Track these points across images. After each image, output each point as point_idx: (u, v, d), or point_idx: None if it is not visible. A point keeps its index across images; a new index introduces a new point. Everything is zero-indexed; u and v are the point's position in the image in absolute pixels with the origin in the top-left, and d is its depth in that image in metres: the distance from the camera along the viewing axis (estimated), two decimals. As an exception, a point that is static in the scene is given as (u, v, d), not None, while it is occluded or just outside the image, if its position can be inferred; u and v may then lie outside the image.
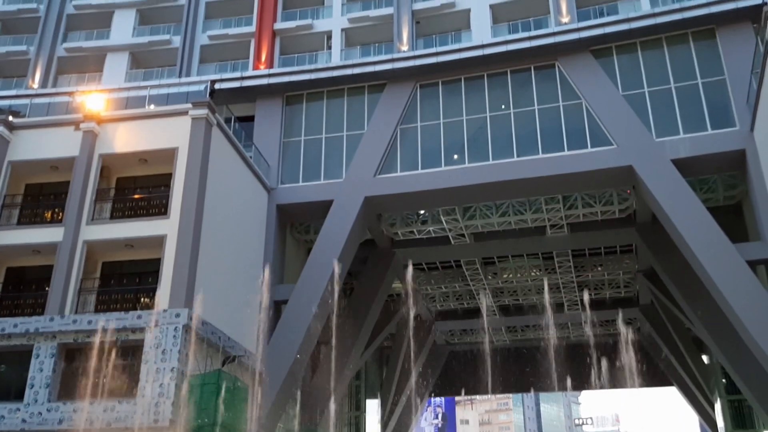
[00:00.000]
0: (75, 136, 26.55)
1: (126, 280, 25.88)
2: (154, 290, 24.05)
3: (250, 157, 30.00)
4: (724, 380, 36.86)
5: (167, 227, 24.51)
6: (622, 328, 42.99)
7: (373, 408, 45.70)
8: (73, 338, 23.21)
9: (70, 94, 33.40)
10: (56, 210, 26.62)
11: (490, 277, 40.58)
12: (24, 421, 22.22)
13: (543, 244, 35.77)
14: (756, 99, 25.50)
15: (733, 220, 29.82)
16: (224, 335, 24.99)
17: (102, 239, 25.10)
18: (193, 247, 24.02)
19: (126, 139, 26.63)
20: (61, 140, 26.81)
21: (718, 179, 30.04)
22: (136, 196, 26.41)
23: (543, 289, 41.66)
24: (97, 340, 21.73)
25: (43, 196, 27.49)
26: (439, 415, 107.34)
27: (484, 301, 42.54)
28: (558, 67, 30.35)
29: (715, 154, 27.34)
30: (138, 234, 24.85)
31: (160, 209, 25.33)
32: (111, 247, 25.50)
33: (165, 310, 23.13)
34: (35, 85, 36.85)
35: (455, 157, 30.45)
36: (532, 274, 40.49)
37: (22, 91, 35.60)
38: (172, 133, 26.13)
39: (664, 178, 27.14)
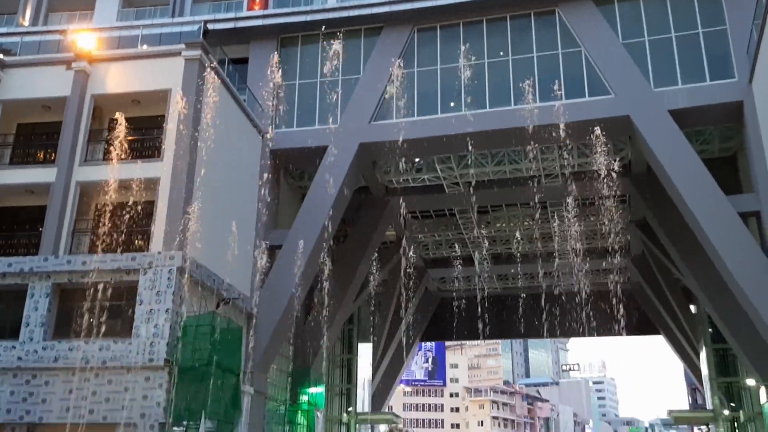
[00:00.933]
0: (66, 75, 26.19)
1: (120, 222, 25.91)
2: (148, 232, 24.13)
3: (244, 100, 29.70)
4: (710, 330, 37.49)
5: (160, 169, 24.43)
6: (612, 277, 43.59)
7: (365, 351, 46.43)
8: (68, 278, 23.36)
9: (61, 32, 32.70)
10: (48, 150, 26.48)
11: (483, 226, 40.76)
12: (20, 358, 22.54)
13: (537, 193, 35.81)
14: (756, 50, 25.26)
15: (727, 172, 29.93)
16: (218, 278, 25.17)
17: (95, 180, 25.01)
18: (187, 191, 23.98)
19: (118, 79, 26.29)
20: (52, 79, 26.47)
21: (715, 131, 30.01)
22: (130, 138, 26.21)
23: (535, 238, 41.94)
24: (91, 280, 21.86)
25: (35, 136, 27.30)
26: (430, 359, 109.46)
27: (477, 252, 42.82)
28: (558, 13, 29.87)
29: (713, 105, 27.22)
30: (131, 176, 24.75)
31: (154, 152, 25.21)
32: (104, 189, 25.44)
33: (159, 253, 23.24)
34: (26, 23, 36.10)
35: (452, 104, 30.20)
36: (525, 223, 40.68)
37: (12, 29, 34.89)
38: (165, 75, 25.81)
39: (661, 129, 27.06)
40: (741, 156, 29.95)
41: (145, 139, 25.92)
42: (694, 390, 57.64)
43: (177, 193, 23.88)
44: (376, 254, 36.77)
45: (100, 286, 21.79)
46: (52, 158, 25.90)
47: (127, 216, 24.49)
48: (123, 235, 23.98)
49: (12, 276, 23.67)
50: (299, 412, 33.83)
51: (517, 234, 41.67)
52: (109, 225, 25.43)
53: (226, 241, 26.33)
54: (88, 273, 22.71)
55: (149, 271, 22.92)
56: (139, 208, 24.03)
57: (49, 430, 21.61)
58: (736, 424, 36.81)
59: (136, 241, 24.93)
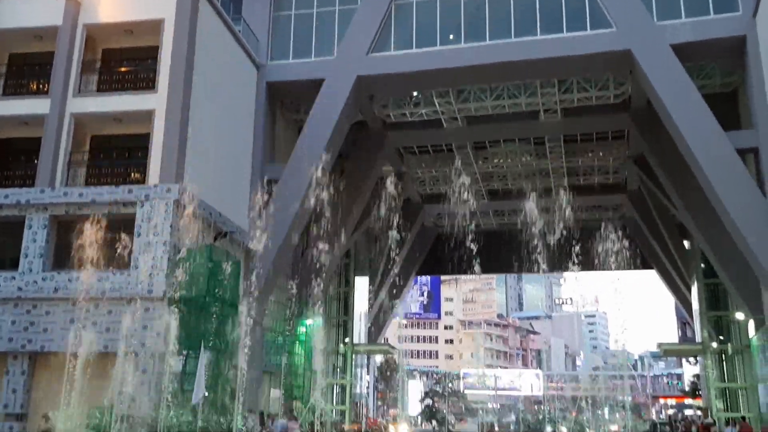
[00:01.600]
0: (58, 4, 25.60)
1: (116, 155, 25.80)
2: (144, 165, 24.05)
3: (239, 31, 29.12)
4: (702, 265, 37.90)
5: (155, 101, 24.17)
6: (608, 212, 43.79)
7: (361, 285, 46.97)
8: (65, 210, 23.42)
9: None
10: (42, 81, 26.12)
11: (480, 162, 40.67)
12: (20, 288, 22.80)
13: (536, 128, 35.63)
14: (762, -18, 24.72)
15: (727, 107, 29.71)
16: (215, 211, 25.23)
17: (89, 112, 24.77)
18: (182, 123, 23.79)
19: (110, 8, 25.70)
20: (43, 8, 25.89)
21: (716, 66, 29.61)
22: (123, 69, 25.83)
23: (533, 174, 41.92)
24: (88, 212, 21.89)
25: (27, 67, 26.88)
26: (425, 293, 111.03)
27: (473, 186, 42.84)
28: (561, -58, 29.01)
29: (716, 40, 26.81)
30: (125, 108, 24.53)
31: (148, 83, 24.87)
32: (99, 121, 25.24)
33: (156, 185, 23.22)
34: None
35: (451, 36, 29.65)
36: (523, 159, 40.57)
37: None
38: (158, 4, 25.24)
39: (662, 63, 26.71)
40: (741, 92, 29.67)
41: (139, 70, 25.56)
42: (684, 324, 58.77)
43: (172, 125, 23.69)
44: (372, 189, 36.77)
45: (98, 218, 21.84)
46: (46, 89, 25.56)
47: (123, 148, 24.34)
48: (119, 168, 23.91)
49: (9, 207, 23.70)
50: (297, 342, 34.51)
51: (516, 168, 41.67)
52: (105, 157, 25.38)
53: (223, 174, 26.30)
54: (85, 205, 22.73)
55: (146, 203, 22.97)
56: (135, 140, 23.88)
57: (50, 359, 22.03)
58: (723, 357, 37.66)
59: (133, 174, 24.89)
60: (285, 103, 33.23)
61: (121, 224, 23.02)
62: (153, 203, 22.89)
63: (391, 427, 30.38)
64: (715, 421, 27.87)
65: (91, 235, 20.80)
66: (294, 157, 29.19)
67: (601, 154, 39.34)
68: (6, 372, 22.43)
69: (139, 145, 24.37)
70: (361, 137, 35.44)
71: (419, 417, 37.65)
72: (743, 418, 29.31)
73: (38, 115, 24.80)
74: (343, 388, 43.55)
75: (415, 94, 33.38)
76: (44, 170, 24.12)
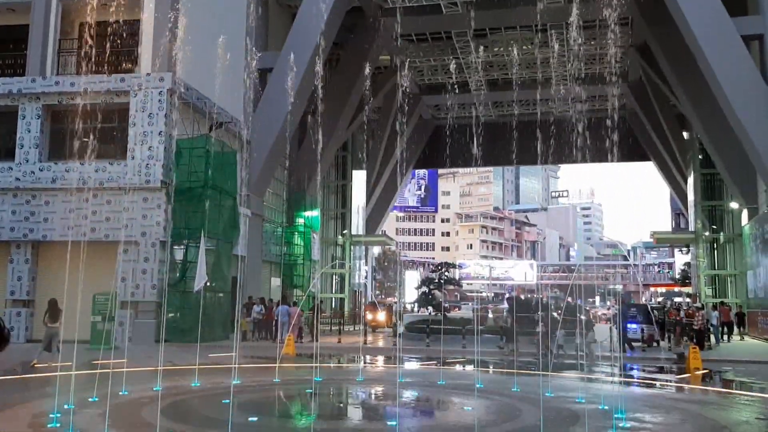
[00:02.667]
0: None
1: (106, 43, 25.08)
2: (135, 54, 23.49)
3: None
4: (700, 156, 37.96)
5: (144, -15, 23.26)
6: (608, 102, 43.25)
7: (359, 178, 47.09)
8: (58, 100, 23.08)
9: None
10: (24, -36, 24.98)
11: (480, 50, 39.71)
12: (18, 179, 22.83)
13: (538, 15, 34.51)
14: None
15: (735, -8, 28.71)
16: (210, 101, 24.86)
17: (76, -3, 23.90)
18: (173, 9, 22.98)
19: None
20: None
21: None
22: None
23: (533, 63, 41.06)
24: (81, 102, 21.57)
25: (7, -51, 25.63)
26: (422, 187, 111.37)
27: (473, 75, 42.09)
28: None
29: None
30: (114, -8, 23.61)
31: (136, -34, 23.83)
32: (86, 6, 24.35)
33: (148, 74, 22.79)
34: None
35: None
36: (524, 47, 39.62)
37: None
38: None
39: (671, -56, 25.58)
40: (751, -25, 28.61)
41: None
42: (678, 215, 59.43)
43: (162, 11, 22.91)
44: (369, 79, 36.10)
45: (91, 108, 21.55)
46: (29, -27, 24.53)
47: (113, 36, 23.62)
48: (110, 56, 23.31)
49: (1, 97, 23.34)
50: (296, 233, 34.96)
51: (516, 57, 40.77)
52: (95, 45, 24.67)
53: (216, 63, 25.67)
54: (78, 94, 22.37)
55: (139, 93, 22.61)
56: (125, 27, 23.15)
57: (52, 247, 22.37)
58: (715, 246, 38.38)
59: (124, 64, 24.32)
60: (278, -12, 32.07)
61: (115, 114, 22.78)
62: (146, 92, 22.54)
63: (368, 314, 31.45)
64: (703, 305, 28.78)
65: (86, 125, 20.61)
66: (288, 45, 28.45)
67: (603, 42, 38.38)
68: (10, 261, 22.82)
69: (130, 31, 23.67)
70: (357, 24, 34.41)
71: (415, 304, 38.70)
72: (722, 302, 30.41)
73: (24, 1, 23.95)
74: (342, 277, 44.58)
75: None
76: (34, 59, 23.59)
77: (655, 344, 23.55)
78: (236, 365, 13.63)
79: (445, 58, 41.47)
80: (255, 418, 9.57)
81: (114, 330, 19.98)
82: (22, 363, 15.84)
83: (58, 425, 8.56)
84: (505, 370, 16.39)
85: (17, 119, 23.20)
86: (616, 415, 9.51)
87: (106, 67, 23.57)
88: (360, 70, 34.41)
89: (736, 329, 29.36)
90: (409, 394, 12.62)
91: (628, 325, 23.49)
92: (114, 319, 20.16)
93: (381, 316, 32.61)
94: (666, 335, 25.41)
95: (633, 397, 12.23)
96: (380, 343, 24.84)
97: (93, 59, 24.39)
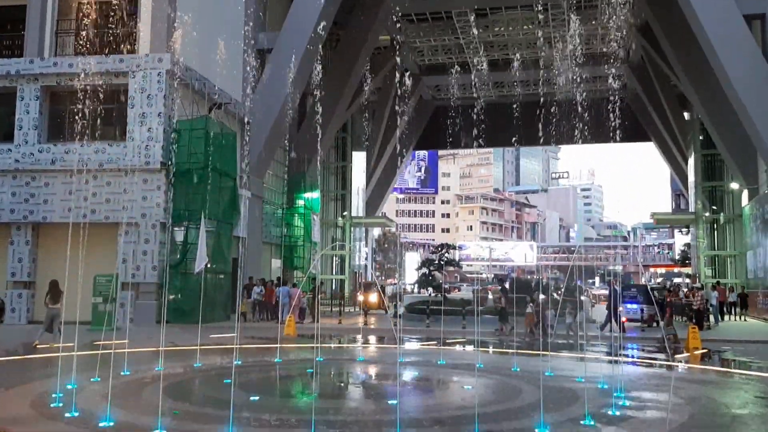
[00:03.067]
0: None
1: (104, 24, 24.91)
2: (134, 35, 23.34)
3: None
4: (701, 137, 37.86)
5: (142, -35, 23.07)
6: (609, 82, 43.05)
7: (359, 160, 46.96)
8: (56, 81, 22.97)
9: None
10: (20, -57, 24.75)
11: (481, 30, 39.44)
12: (17, 161, 22.79)
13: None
14: None
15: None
16: (209, 82, 24.75)
17: (73, -23, 23.71)
18: (171, -12, 22.82)
19: None
20: None
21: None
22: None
23: (534, 43, 40.78)
24: (80, 83, 21.44)
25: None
26: (423, 169, 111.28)
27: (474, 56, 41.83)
28: None
29: None
30: (111, -28, 23.41)
31: (133, -55, 23.63)
32: (84, -13, 24.20)
33: (147, 55, 22.67)
34: None
35: None
36: (525, 27, 39.35)
37: None
38: None
39: None
40: (754, -47, 28.31)
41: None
42: (678, 196, 59.35)
43: (160, -10, 22.74)
44: (368, 60, 35.89)
45: (90, 89, 21.44)
46: (25, -48, 24.31)
47: (111, 16, 23.44)
48: (108, 37, 23.17)
49: (-1, 78, 23.25)
50: (296, 215, 34.95)
51: (517, 37, 40.51)
52: (93, 26, 24.50)
53: (214, 44, 25.52)
54: (76, 75, 22.24)
55: (138, 74, 22.50)
56: (123, 7, 22.99)
57: (53, 229, 22.39)
58: (715, 226, 38.39)
59: (123, 45, 24.16)
60: (277, -32, 31.78)
61: (114, 95, 22.68)
62: (145, 73, 22.43)
63: (359, 296, 30.83)
64: (702, 285, 28.89)
65: (84, 107, 20.52)
66: (287, 25, 28.27)
67: (605, 22, 38.10)
68: (10, 242, 22.84)
69: (128, 12, 23.50)
70: (357, 4, 34.14)
71: (416, 285, 38.81)
72: (718, 282, 30.59)
73: (20, -20, 23.79)
74: (342, 258, 44.63)
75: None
76: (32, 40, 23.47)
77: (655, 324, 23.63)
78: (237, 346, 13.69)
79: (445, 38, 41.22)
80: (257, 398, 9.63)
81: (115, 311, 20.04)
82: (24, 344, 15.91)
83: (61, 405, 8.62)
84: (504, 351, 16.47)
85: (16, 100, 23.11)
86: (615, 394, 9.59)
87: (104, 48, 23.47)
88: (359, 50, 34.23)
89: (738, 309, 29.52)
90: (409, 374, 12.69)
91: (628, 306, 23.57)
92: (115, 301, 20.23)
93: (373, 297, 31.18)
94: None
95: (632, 376, 12.30)
96: (377, 325, 24.95)
97: (91, 40, 24.27)
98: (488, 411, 8.72)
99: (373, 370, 13.86)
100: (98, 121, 21.43)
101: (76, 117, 20.27)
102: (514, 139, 46.57)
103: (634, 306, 24.01)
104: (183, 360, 13.34)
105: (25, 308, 22.51)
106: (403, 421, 7.84)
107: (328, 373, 13.07)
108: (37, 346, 15.02)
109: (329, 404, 9.67)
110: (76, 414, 8.13)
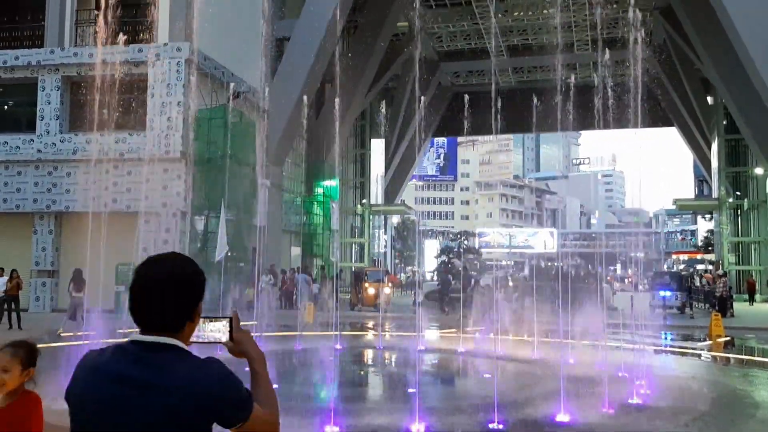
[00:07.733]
0: None
1: (123, 13, 24.98)
2: (153, 24, 23.39)
3: None
4: (724, 122, 37.30)
5: (160, -46, 23.08)
6: (630, 67, 42.45)
7: (377, 147, 46.94)
8: (76, 71, 23.12)
9: None
10: (40, -66, 24.89)
11: (500, 15, 39.08)
12: (39, 151, 23.03)
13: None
14: None
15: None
16: (228, 71, 24.80)
17: (92, -34, 23.81)
18: (189, -23, 22.81)
19: None
20: None
21: None
22: None
23: (553, 28, 40.32)
24: (99, 72, 21.55)
25: None
26: (442, 156, 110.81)
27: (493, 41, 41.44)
28: None
29: None
30: (130, -38, 23.48)
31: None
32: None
33: (166, 44, 22.75)
34: None
35: None
36: (545, 11, 38.93)
37: None
38: None
39: None
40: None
41: None
42: (701, 182, 58.56)
43: (178, -20, 22.76)
44: (387, 47, 35.73)
45: (110, 79, 21.55)
46: (45, -57, 24.45)
47: (130, 6, 23.53)
48: (127, 26, 23.25)
49: (21, 69, 23.45)
50: (315, 203, 35.03)
51: (537, 22, 40.07)
52: (111, 16, 24.55)
53: (233, 33, 25.56)
54: (96, 65, 22.34)
55: (157, 63, 22.58)
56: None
57: (75, 218, 22.59)
58: (739, 212, 37.88)
59: (142, 34, 24.27)
60: (294, -45, 31.67)
61: (134, 85, 22.77)
62: (164, 62, 22.51)
63: (369, 288, 26.18)
64: (726, 272, 28.54)
65: (105, 96, 20.62)
66: (305, 12, 28.21)
67: (626, 5, 37.55)
68: (34, 232, 23.14)
69: (147, 1, 23.57)
70: (375, -9, 34.01)
71: (434, 273, 38.82)
72: (724, 273, 30.27)
73: (40, -30, 23.95)
74: (361, 246, 44.73)
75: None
76: (52, 30, 23.65)
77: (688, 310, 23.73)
78: (257, 334, 13.76)
79: (464, 24, 40.92)
80: (276, 386, 9.66)
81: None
82: (49, 331, 16.14)
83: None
84: (526, 338, 16.39)
85: (37, 91, 23.32)
86: (636, 382, 9.52)
87: (124, 37, 23.55)
88: (378, 37, 34.10)
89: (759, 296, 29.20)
90: (427, 360, 12.69)
91: (662, 293, 23.69)
92: (137, 289, 20.36)
93: (371, 290, 26.35)
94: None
95: (655, 364, 12.19)
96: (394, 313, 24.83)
97: (111, 30, 24.35)
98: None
99: (391, 357, 13.88)
100: (118, 110, 21.54)
101: (97, 107, 20.40)
102: (533, 124, 46.32)
103: (668, 293, 24.08)
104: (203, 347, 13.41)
105: (48, 297, 22.82)
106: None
107: (347, 360, 13.08)
108: (62, 334, 15.22)
109: (349, 392, 9.67)
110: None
